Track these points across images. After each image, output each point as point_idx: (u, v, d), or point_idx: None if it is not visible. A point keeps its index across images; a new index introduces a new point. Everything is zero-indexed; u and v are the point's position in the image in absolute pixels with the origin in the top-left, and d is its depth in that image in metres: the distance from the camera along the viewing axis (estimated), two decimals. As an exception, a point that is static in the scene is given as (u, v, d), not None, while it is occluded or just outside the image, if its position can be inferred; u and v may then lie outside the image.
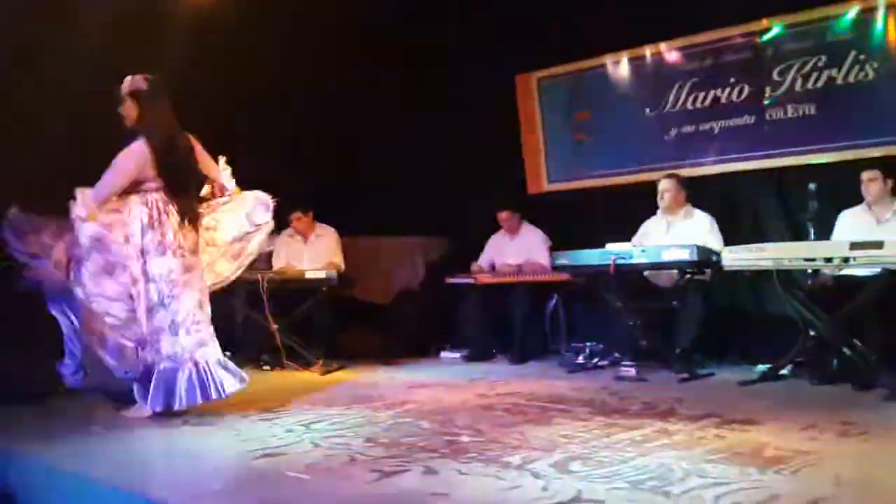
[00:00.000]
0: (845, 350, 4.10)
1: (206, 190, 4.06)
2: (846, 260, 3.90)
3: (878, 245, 3.81)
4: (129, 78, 3.82)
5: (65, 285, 3.68)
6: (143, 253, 3.66)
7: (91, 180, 3.72)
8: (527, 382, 4.53)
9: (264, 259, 5.45)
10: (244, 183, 4.10)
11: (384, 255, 6.47)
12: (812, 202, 4.43)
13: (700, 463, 2.62)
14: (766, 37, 5.33)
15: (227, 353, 3.95)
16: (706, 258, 4.48)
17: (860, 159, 4.78)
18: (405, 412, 3.70)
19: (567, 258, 4.95)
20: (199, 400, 3.65)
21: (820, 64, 5.12)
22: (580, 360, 5.15)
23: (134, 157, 3.68)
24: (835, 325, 4.13)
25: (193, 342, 3.68)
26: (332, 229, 5.99)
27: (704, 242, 4.76)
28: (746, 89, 5.43)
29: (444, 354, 5.96)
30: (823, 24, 5.11)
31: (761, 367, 4.50)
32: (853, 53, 4.98)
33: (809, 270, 4.35)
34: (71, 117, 4.76)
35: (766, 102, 5.34)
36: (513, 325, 5.63)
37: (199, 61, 5.13)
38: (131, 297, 3.67)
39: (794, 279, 4.38)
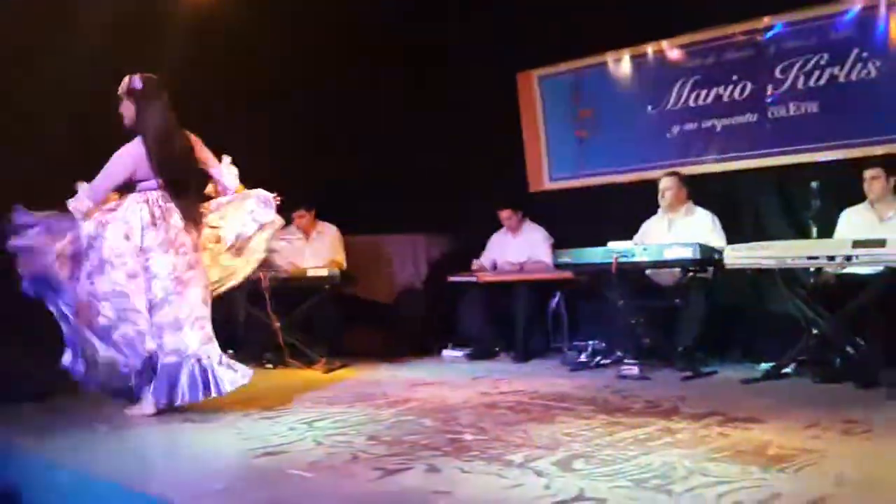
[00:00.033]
0: (848, 349, 4.10)
1: (209, 188, 4.07)
2: (849, 258, 3.90)
3: (881, 243, 3.81)
4: (127, 78, 3.85)
5: (55, 281, 3.69)
6: (141, 250, 3.67)
7: (91, 180, 3.76)
8: (529, 381, 4.53)
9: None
10: (244, 182, 4.11)
11: (386, 253, 6.48)
12: (814, 200, 4.43)
13: (703, 461, 2.62)
14: (769, 34, 5.32)
15: (230, 352, 3.96)
16: (708, 256, 4.48)
17: (863, 157, 4.77)
18: (408, 410, 3.71)
19: (569, 256, 4.95)
20: (202, 396, 3.67)
21: (822, 62, 5.10)
22: (583, 358, 5.15)
23: (126, 157, 3.74)
24: (837, 324, 4.12)
25: (197, 338, 3.70)
26: (334, 227, 6.00)
27: (707, 240, 4.75)
28: (749, 87, 5.42)
29: (447, 353, 5.95)
30: (826, 21, 5.10)
31: (764, 366, 4.50)
32: (856, 51, 4.96)
33: (812, 269, 4.34)
34: (71, 117, 4.77)
35: (768, 100, 5.33)
36: (515, 324, 5.62)
37: (199, 61, 5.13)
38: (124, 294, 3.67)
39: (796, 277, 4.38)
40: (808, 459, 2.61)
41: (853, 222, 4.51)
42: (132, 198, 3.76)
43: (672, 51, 5.77)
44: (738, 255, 4.26)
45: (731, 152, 5.52)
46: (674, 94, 5.74)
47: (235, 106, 5.43)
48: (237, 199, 4.00)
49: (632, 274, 4.79)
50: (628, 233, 5.15)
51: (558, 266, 5.13)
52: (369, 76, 6.33)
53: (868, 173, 4.47)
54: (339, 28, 5.91)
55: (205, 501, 2.46)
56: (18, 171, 4.49)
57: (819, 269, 4.34)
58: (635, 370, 4.53)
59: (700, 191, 5.23)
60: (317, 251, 5.87)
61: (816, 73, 5.13)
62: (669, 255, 4.53)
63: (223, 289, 4.01)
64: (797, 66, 5.19)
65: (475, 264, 5.99)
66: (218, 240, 3.96)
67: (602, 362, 5.06)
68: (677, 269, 4.73)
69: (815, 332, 4.19)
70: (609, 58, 6.06)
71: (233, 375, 3.72)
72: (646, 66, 5.92)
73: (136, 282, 3.68)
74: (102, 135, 3.97)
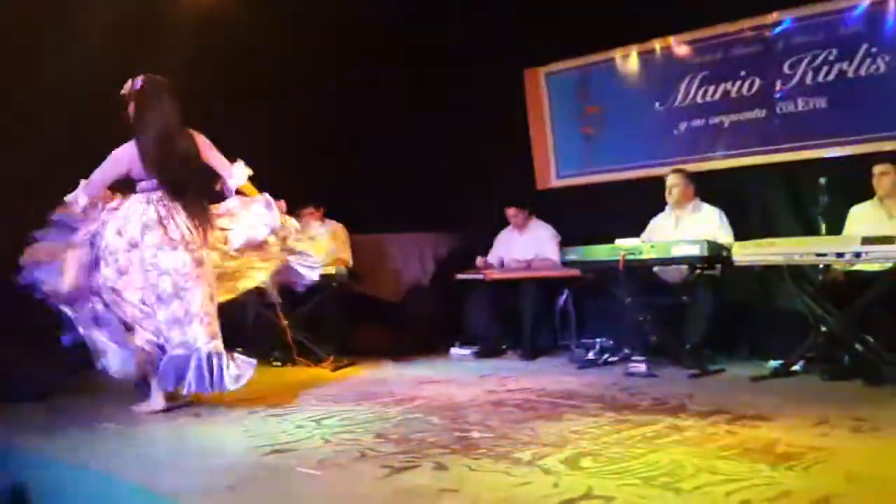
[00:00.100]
0: (857, 346, 4.08)
1: (219, 188, 4.11)
2: (857, 255, 3.88)
3: (890, 240, 3.80)
4: (130, 80, 3.90)
5: (64, 294, 3.76)
6: (135, 247, 3.74)
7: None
8: (537, 378, 4.52)
9: None
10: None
11: (393, 251, 6.48)
12: (823, 196, 4.41)
13: (711, 459, 2.61)
14: (777, 30, 5.30)
15: (238, 350, 3.99)
16: (716, 253, 4.47)
17: (872, 153, 4.74)
18: (415, 408, 3.71)
19: (576, 254, 4.94)
20: (208, 389, 3.71)
21: (831, 57, 5.08)
22: (590, 355, 5.14)
23: (121, 156, 3.84)
24: (846, 321, 4.11)
25: (206, 333, 3.74)
26: (341, 225, 6.00)
27: (714, 236, 4.75)
28: (757, 83, 5.40)
29: (454, 350, 5.95)
30: (834, 16, 5.08)
31: (772, 363, 4.48)
32: (864, 46, 4.94)
33: (820, 266, 4.32)
34: (71, 117, 4.79)
35: (776, 96, 5.31)
36: (522, 321, 5.62)
37: (199, 61, 5.14)
38: (115, 290, 3.75)
39: (804, 274, 4.36)
40: (816, 457, 2.59)
41: (862, 219, 4.49)
42: (135, 198, 3.83)
43: (680, 47, 5.76)
44: (746, 252, 4.24)
45: (738, 148, 5.51)
46: (681, 91, 5.73)
47: (235, 106, 5.44)
48: (246, 204, 4.03)
49: (639, 271, 4.78)
50: (636, 230, 5.13)
51: (566, 263, 5.12)
52: (369, 76, 6.34)
53: (877, 169, 4.45)
54: (339, 28, 5.91)
55: (213, 499, 2.46)
56: (19, 172, 4.52)
57: (827, 266, 4.32)
58: (643, 368, 4.52)
59: (708, 187, 5.21)
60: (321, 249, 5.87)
61: (825, 68, 5.11)
62: (677, 252, 4.52)
63: (240, 291, 4.07)
64: (805, 61, 5.17)
65: (479, 261, 5.98)
66: (226, 241, 3.99)
67: (610, 360, 5.05)
68: (685, 267, 4.71)
69: (823, 329, 4.17)
70: (616, 54, 6.05)
71: (237, 371, 3.76)
72: (653, 63, 5.91)
73: (126, 278, 3.75)
74: (102, 135, 4.00)
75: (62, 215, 3.86)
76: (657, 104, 5.87)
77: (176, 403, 3.88)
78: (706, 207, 5.09)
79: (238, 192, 4.06)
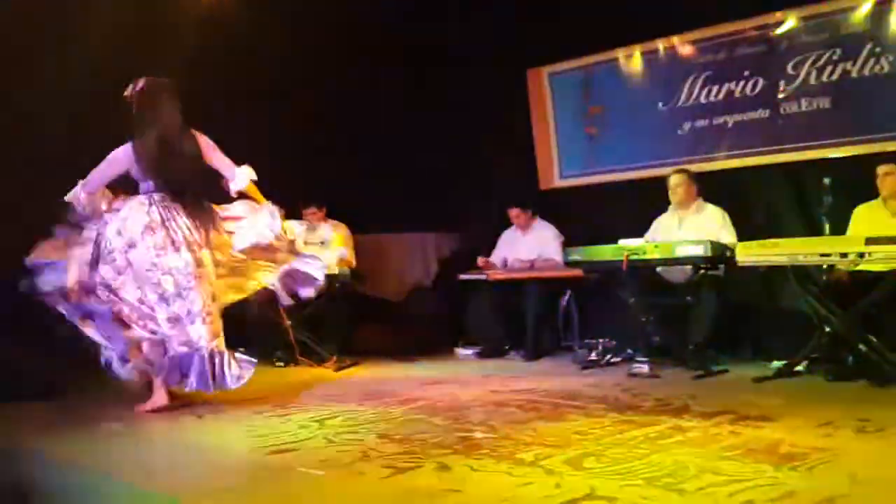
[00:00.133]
0: (861, 346, 4.07)
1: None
2: (861, 255, 3.87)
3: (894, 240, 3.77)
4: (132, 82, 3.95)
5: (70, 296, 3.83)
6: (130, 246, 3.78)
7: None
8: (540, 379, 4.52)
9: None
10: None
11: (396, 251, 6.48)
12: (827, 197, 4.40)
13: (714, 460, 2.60)
14: (781, 30, 5.29)
15: (241, 350, 4.01)
16: (720, 254, 4.46)
17: (875, 153, 4.74)
18: (418, 408, 3.71)
19: (580, 254, 4.94)
20: (211, 387, 3.75)
21: (835, 57, 5.07)
22: (593, 356, 5.13)
23: (119, 156, 3.91)
24: (850, 321, 4.10)
25: (208, 332, 3.79)
26: (344, 225, 6.01)
27: (717, 236, 4.74)
28: (760, 83, 5.39)
29: (457, 351, 5.96)
30: (838, 16, 5.07)
31: (776, 364, 4.47)
32: (868, 46, 4.93)
33: (824, 266, 4.31)
34: (71, 117, 4.80)
35: (780, 96, 5.30)
36: (525, 322, 5.61)
37: (199, 61, 5.14)
38: (110, 288, 3.79)
39: (808, 275, 4.35)
40: (820, 458, 2.58)
41: (866, 219, 4.48)
42: (136, 199, 3.88)
43: (683, 47, 5.75)
44: (750, 253, 4.23)
45: (742, 149, 5.50)
46: (685, 91, 5.72)
47: (235, 106, 5.45)
48: (253, 210, 4.07)
49: (643, 271, 4.77)
50: (639, 230, 5.13)
51: (569, 264, 5.12)
52: (369, 76, 6.34)
53: (881, 169, 4.44)
54: (339, 28, 5.91)
55: (215, 499, 2.46)
56: (19, 172, 4.53)
57: (831, 267, 4.31)
58: (646, 368, 4.51)
59: (711, 187, 5.21)
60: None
61: (829, 68, 5.10)
62: (681, 252, 4.51)
63: (249, 291, 4.11)
64: (809, 61, 5.16)
65: (480, 261, 5.98)
66: (230, 245, 4.03)
67: (613, 360, 5.04)
68: (688, 267, 4.71)
69: (827, 329, 4.16)
70: (620, 54, 6.04)
71: (238, 370, 3.81)
72: (657, 63, 5.90)
73: (123, 278, 3.79)
74: (102, 135, 4.03)
75: (70, 215, 3.92)
76: (661, 104, 5.86)
77: (179, 402, 3.90)
78: (710, 207, 5.09)
79: (242, 194, 4.09)
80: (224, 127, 4.20)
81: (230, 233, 4.04)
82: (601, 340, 5.23)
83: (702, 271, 4.64)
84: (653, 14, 5.59)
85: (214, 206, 4.08)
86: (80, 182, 3.94)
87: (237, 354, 3.89)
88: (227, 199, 4.16)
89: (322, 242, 5.82)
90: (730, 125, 5.55)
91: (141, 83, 3.91)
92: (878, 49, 4.90)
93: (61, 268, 3.85)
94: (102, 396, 4.09)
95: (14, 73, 4.71)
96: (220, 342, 3.82)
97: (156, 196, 3.86)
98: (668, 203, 5.20)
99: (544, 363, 5.34)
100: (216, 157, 4.02)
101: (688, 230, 5.01)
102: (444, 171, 6.37)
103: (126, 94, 3.92)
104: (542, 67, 6.46)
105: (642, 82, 5.98)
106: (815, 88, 5.15)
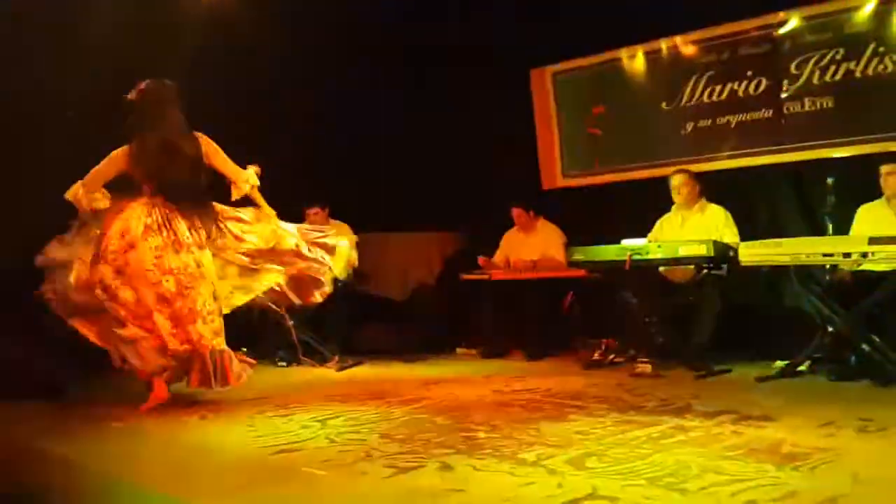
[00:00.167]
0: (864, 346, 4.06)
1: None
2: (864, 255, 3.86)
3: (898, 240, 3.77)
4: (136, 85, 4.02)
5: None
6: (130, 246, 3.84)
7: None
8: (542, 379, 4.51)
9: None
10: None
11: (399, 251, 6.48)
12: (830, 196, 4.40)
13: (716, 460, 2.60)
14: (784, 29, 5.28)
15: (243, 349, 4.04)
16: (723, 253, 4.45)
17: (879, 153, 4.72)
18: (421, 408, 3.71)
19: (582, 254, 4.94)
20: (212, 385, 3.80)
21: (838, 57, 5.06)
22: (596, 356, 5.13)
23: (115, 158, 4.01)
24: (853, 321, 4.09)
25: (209, 330, 3.85)
26: (346, 225, 6.00)
27: (720, 236, 4.74)
28: (763, 83, 5.38)
29: (460, 350, 5.95)
30: (842, 16, 5.05)
31: (779, 364, 4.46)
32: (872, 46, 4.92)
33: (827, 266, 4.30)
34: (71, 118, 4.82)
35: (783, 96, 5.29)
36: (528, 321, 5.61)
37: (200, 61, 5.16)
38: (107, 288, 3.83)
39: (811, 275, 4.34)
40: (822, 458, 2.58)
41: (869, 219, 4.47)
42: (140, 201, 3.95)
43: (686, 47, 5.74)
44: (753, 253, 4.23)
45: (745, 148, 5.49)
46: (688, 91, 5.71)
47: (235, 106, 5.46)
48: (259, 217, 4.16)
49: (645, 271, 4.76)
50: (642, 230, 5.12)
51: (572, 264, 5.12)
52: (369, 76, 6.34)
53: (884, 169, 4.43)
54: (339, 28, 5.91)
55: (218, 499, 2.47)
56: (20, 172, 4.54)
57: (834, 267, 4.30)
58: (649, 368, 4.51)
59: (714, 187, 5.20)
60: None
61: (832, 68, 5.09)
62: (684, 252, 4.50)
63: (257, 292, 4.17)
64: (812, 61, 5.15)
65: (481, 260, 5.98)
66: (239, 243, 4.10)
67: (615, 360, 5.04)
68: (691, 267, 4.70)
69: (830, 329, 4.16)
70: (623, 54, 6.03)
71: (239, 369, 3.88)
72: (660, 63, 5.89)
73: (121, 278, 3.83)
74: (103, 135, 4.06)
75: (80, 215, 4.00)
76: (664, 104, 5.85)
77: (181, 400, 3.93)
78: (713, 207, 5.08)
79: (245, 198, 4.16)
80: (224, 127, 4.22)
81: (238, 238, 4.10)
82: (604, 340, 5.23)
83: (705, 271, 4.63)
84: (656, 14, 5.57)
85: (221, 207, 4.13)
86: (80, 181, 4.00)
87: (238, 353, 3.95)
88: (232, 202, 4.20)
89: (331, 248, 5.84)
90: (733, 125, 5.54)
91: (143, 87, 3.97)
92: (881, 48, 4.89)
93: (66, 267, 3.89)
94: (103, 396, 4.10)
95: (14, 73, 4.72)
96: (221, 341, 3.88)
97: (157, 198, 3.93)
98: (672, 203, 5.20)
99: (547, 363, 5.33)
100: (220, 160, 4.09)
101: (691, 230, 5.00)
102: (447, 171, 6.36)
103: (130, 96, 3.96)
104: (546, 67, 6.45)
105: (645, 82, 5.97)
106: (819, 88, 5.14)
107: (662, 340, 4.72)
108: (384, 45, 6.24)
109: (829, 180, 4.41)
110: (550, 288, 5.62)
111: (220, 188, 4.27)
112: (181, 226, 3.90)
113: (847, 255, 3.94)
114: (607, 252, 4.75)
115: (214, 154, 4.08)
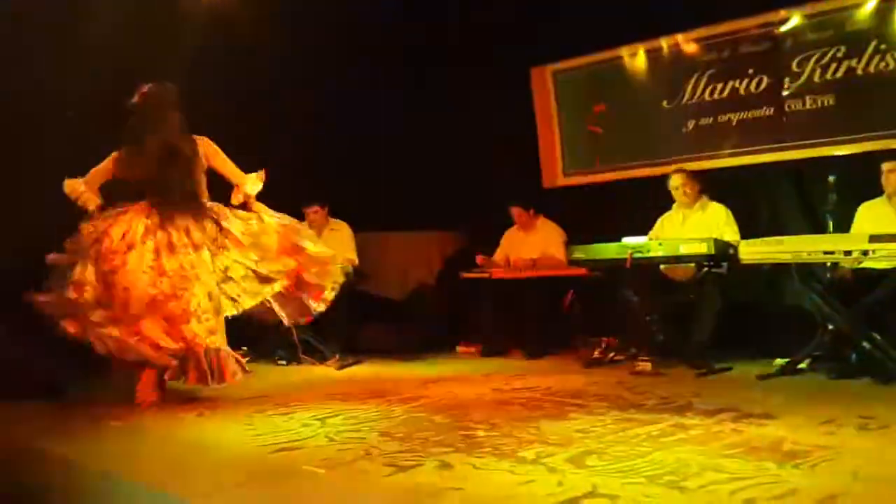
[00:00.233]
0: (864, 344, 4.05)
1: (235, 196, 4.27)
2: (865, 253, 3.86)
3: (899, 237, 3.76)
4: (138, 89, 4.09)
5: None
6: (129, 247, 3.90)
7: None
8: (542, 377, 4.51)
9: None
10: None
11: (399, 250, 6.47)
12: (831, 194, 4.38)
13: (717, 458, 2.60)
14: (785, 27, 5.27)
15: (243, 348, 4.06)
16: (723, 251, 4.45)
17: (880, 151, 4.71)
18: (420, 407, 3.71)
19: (583, 252, 4.93)
20: (209, 382, 3.85)
21: (839, 54, 5.05)
22: (596, 354, 5.12)
23: (107, 163, 4.10)
24: (854, 319, 4.08)
25: (204, 329, 3.89)
26: (346, 224, 6.01)
27: (720, 234, 4.74)
28: (765, 80, 5.37)
29: (460, 349, 5.95)
30: (843, 13, 5.04)
31: (779, 361, 4.45)
32: (874, 43, 4.91)
33: (828, 263, 4.29)
34: (71, 118, 4.83)
35: (784, 94, 5.28)
36: (528, 320, 5.61)
37: (199, 61, 5.16)
38: (106, 286, 3.89)
39: (812, 272, 4.34)
40: (823, 455, 2.58)
41: (870, 216, 4.46)
42: (140, 203, 4.02)
43: (687, 45, 5.73)
44: (754, 250, 4.22)
45: (746, 146, 5.48)
46: (689, 89, 5.71)
47: (235, 106, 5.46)
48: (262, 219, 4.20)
49: (646, 269, 4.76)
50: (643, 228, 5.12)
51: (572, 262, 5.11)
52: (369, 76, 6.34)
53: (886, 166, 4.43)
54: (339, 28, 5.91)
55: (218, 497, 2.47)
56: (21, 172, 4.55)
57: (835, 264, 4.29)
58: (649, 366, 4.50)
59: (715, 185, 5.19)
60: (329, 248, 5.86)
61: (833, 65, 5.08)
62: (685, 250, 4.50)
63: (265, 296, 4.18)
64: (814, 58, 5.14)
65: (479, 258, 5.97)
66: (243, 247, 4.13)
67: (615, 358, 5.03)
68: (692, 265, 4.69)
69: (830, 327, 4.15)
70: (624, 52, 6.02)
71: (234, 367, 3.91)
72: (661, 61, 5.88)
73: (115, 278, 3.88)
74: (104, 135, 4.06)
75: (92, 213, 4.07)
76: (665, 102, 5.85)
77: (180, 399, 3.95)
78: (713, 205, 5.07)
79: (245, 201, 4.21)
80: (224, 127, 4.22)
81: (240, 244, 4.13)
82: (604, 338, 5.23)
83: (705, 269, 4.63)
84: (657, 12, 5.57)
85: (221, 208, 4.15)
86: (82, 178, 4.08)
87: (234, 351, 3.98)
88: (231, 205, 4.22)
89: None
90: (734, 123, 5.54)
91: (146, 89, 4.03)
92: (883, 46, 4.87)
93: (71, 266, 3.95)
94: (102, 396, 4.10)
95: (14, 73, 4.72)
96: (216, 339, 3.91)
97: (155, 200, 3.98)
98: (673, 201, 5.19)
99: (547, 361, 5.33)
100: (221, 163, 4.14)
101: (691, 228, 5.00)
102: (447, 170, 6.36)
103: (133, 100, 4.02)
104: (546, 66, 6.45)
105: (646, 80, 5.97)
106: (820, 86, 5.13)
107: (663, 338, 4.72)
108: (384, 45, 6.23)
109: (831, 178, 4.40)
110: (550, 286, 5.62)
111: (220, 189, 4.29)
112: (177, 227, 3.95)
113: (848, 252, 3.94)
114: (608, 250, 4.75)
115: (215, 156, 4.14)
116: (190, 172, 4.05)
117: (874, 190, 4.50)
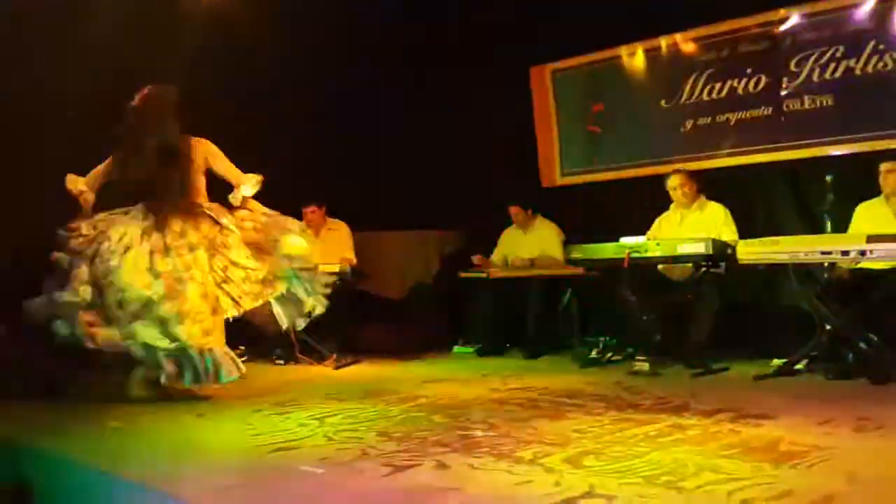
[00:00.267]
0: (861, 344, 4.06)
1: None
2: (863, 253, 3.86)
3: (896, 238, 3.77)
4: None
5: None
6: (127, 249, 3.92)
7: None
8: (540, 377, 4.51)
9: None
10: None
11: (397, 249, 6.48)
12: (829, 194, 4.39)
13: (714, 458, 2.60)
14: (784, 27, 5.27)
15: (241, 348, 4.07)
16: (721, 252, 4.45)
17: (878, 151, 4.72)
18: (418, 406, 3.71)
19: (581, 252, 4.94)
20: (203, 382, 3.91)
21: (838, 54, 5.05)
22: (594, 354, 5.13)
23: (101, 166, 4.17)
24: (851, 319, 4.08)
25: (199, 331, 3.90)
26: (344, 224, 6.01)
27: (718, 233, 4.74)
28: (763, 80, 5.37)
29: (458, 349, 5.95)
30: (842, 13, 5.05)
31: (776, 362, 4.45)
32: (872, 43, 4.91)
33: (825, 264, 4.30)
34: (71, 118, 4.83)
35: (782, 94, 5.28)
36: (526, 320, 5.61)
37: (200, 61, 5.16)
38: (101, 286, 3.92)
39: (810, 273, 4.34)
40: (819, 456, 2.58)
41: (868, 217, 4.47)
42: (138, 206, 4.06)
43: (686, 44, 5.73)
44: (751, 251, 4.23)
45: (745, 146, 5.48)
46: (687, 88, 5.71)
47: (235, 106, 5.45)
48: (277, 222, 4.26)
49: (644, 269, 4.76)
50: (641, 228, 5.12)
51: (570, 261, 5.11)
52: (369, 76, 6.33)
53: (883, 167, 4.43)
54: (339, 28, 5.91)
55: (216, 497, 2.46)
56: (21, 173, 4.55)
57: (833, 265, 4.30)
58: (646, 366, 4.50)
59: (713, 185, 5.19)
60: (327, 248, 5.86)
61: (832, 65, 5.08)
62: (682, 250, 4.50)
63: (267, 297, 4.22)
64: (812, 58, 5.14)
65: (476, 258, 5.97)
66: (242, 248, 4.15)
67: (613, 358, 5.04)
68: (690, 265, 4.69)
69: (828, 327, 4.15)
70: (622, 52, 6.02)
71: (230, 366, 3.95)
72: (659, 60, 5.88)
73: (110, 278, 3.90)
74: (102, 136, 4.07)
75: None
76: (663, 102, 5.85)
77: (179, 397, 3.97)
78: (712, 205, 5.07)
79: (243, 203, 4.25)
80: (224, 127, 4.23)
81: (240, 243, 4.16)
82: (602, 338, 5.23)
83: (703, 269, 4.63)
84: (655, 12, 5.57)
85: (219, 208, 4.16)
86: (85, 177, 4.13)
87: (229, 351, 4.01)
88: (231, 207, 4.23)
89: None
90: (732, 123, 5.54)
91: (146, 91, 4.06)
92: (881, 46, 4.88)
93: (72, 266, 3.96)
94: (102, 396, 4.10)
95: (14, 73, 4.72)
96: (211, 340, 3.93)
97: (151, 201, 4.02)
98: (671, 201, 5.19)
99: (544, 361, 5.33)
100: (222, 165, 4.18)
101: (689, 228, 5.00)
102: (446, 169, 6.36)
103: (133, 102, 4.06)
104: (545, 65, 6.45)
105: (645, 80, 5.97)
106: (818, 86, 5.13)
107: (660, 338, 4.72)
108: (384, 45, 6.24)
109: (829, 178, 4.41)
110: (548, 286, 5.62)
111: (220, 190, 4.29)
112: (173, 228, 3.98)
113: (845, 253, 3.94)
114: (606, 250, 4.75)
115: (215, 158, 4.17)
116: (187, 174, 4.07)
117: (872, 190, 4.51)
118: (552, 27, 6.11)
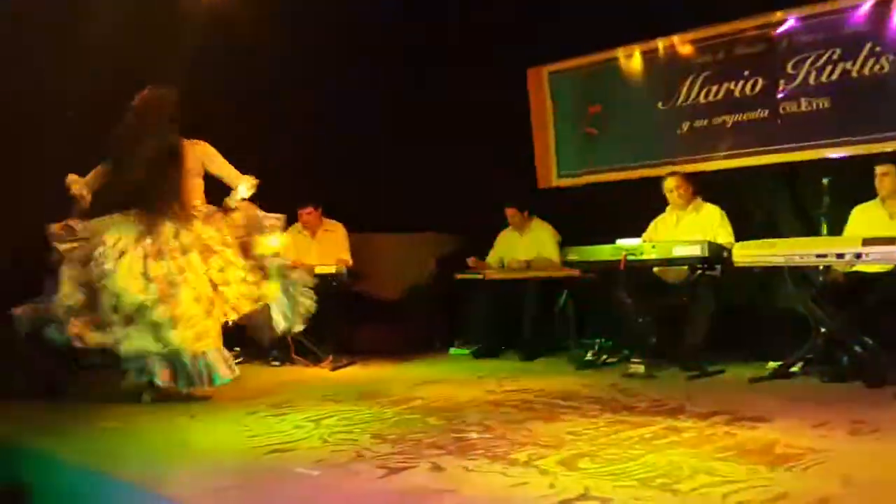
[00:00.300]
0: (857, 347, 4.06)
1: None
2: (858, 256, 3.86)
3: (892, 241, 3.77)
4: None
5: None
6: (122, 253, 3.94)
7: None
8: (535, 379, 4.51)
9: None
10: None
11: (393, 250, 6.47)
12: (825, 197, 4.39)
13: (709, 460, 2.60)
14: (780, 29, 5.28)
15: (237, 349, 4.08)
16: (717, 254, 4.45)
17: (874, 154, 4.73)
18: (413, 408, 3.71)
19: (577, 254, 4.93)
20: (198, 385, 3.93)
21: (834, 57, 5.06)
22: (589, 356, 5.12)
23: (101, 167, 4.20)
24: (846, 322, 4.09)
25: (192, 334, 3.92)
26: (340, 225, 6.00)
27: (714, 235, 4.74)
28: (760, 83, 5.38)
29: (453, 350, 5.94)
30: (838, 16, 5.05)
31: (772, 365, 4.46)
32: (868, 46, 4.92)
33: (821, 267, 4.30)
34: (71, 118, 4.83)
35: (779, 96, 5.29)
36: (522, 322, 5.61)
37: (200, 61, 5.16)
38: (96, 289, 3.94)
39: (805, 275, 4.34)
40: (814, 459, 2.58)
41: (863, 219, 4.47)
42: (132, 210, 4.06)
43: (683, 46, 5.74)
44: (747, 253, 4.23)
45: (741, 148, 5.48)
46: (684, 90, 5.71)
47: (236, 106, 5.45)
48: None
49: (640, 271, 4.76)
50: (637, 230, 5.12)
51: (566, 263, 5.11)
52: (369, 76, 6.33)
53: (879, 169, 4.44)
54: (339, 28, 5.91)
55: (211, 499, 2.46)
56: (19, 172, 4.54)
57: (828, 267, 4.30)
58: (642, 369, 4.50)
59: (710, 187, 5.19)
60: (324, 249, 5.88)
61: (828, 68, 5.09)
62: (678, 252, 4.50)
63: (261, 303, 4.22)
64: (809, 61, 5.15)
65: (470, 261, 5.96)
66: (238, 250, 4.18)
67: (608, 360, 5.04)
68: (685, 267, 4.69)
69: (823, 330, 4.15)
70: (619, 54, 6.03)
71: (224, 368, 3.97)
72: (656, 62, 5.89)
73: (105, 281, 3.92)
74: (102, 136, 4.06)
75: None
76: (660, 104, 5.85)
77: (174, 399, 3.97)
78: (708, 207, 5.08)
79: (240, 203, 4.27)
80: (224, 127, 4.23)
81: (235, 241, 4.18)
82: (597, 340, 5.23)
83: (699, 272, 4.63)
84: (652, 14, 5.57)
85: (221, 212, 4.17)
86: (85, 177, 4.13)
87: (224, 352, 4.03)
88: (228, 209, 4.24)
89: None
90: (729, 125, 5.54)
91: (146, 93, 4.08)
92: (877, 48, 4.88)
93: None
94: (102, 396, 4.10)
95: (14, 73, 4.72)
96: (205, 343, 3.95)
97: (145, 205, 4.02)
98: (667, 203, 5.19)
99: (540, 363, 5.33)
100: (220, 167, 4.19)
101: (685, 230, 5.00)
102: (442, 170, 6.36)
103: (133, 104, 4.07)
104: (543, 67, 6.45)
105: (642, 82, 5.97)
106: (815, 88, 5.14)
107: (656, 341, 4.71)
108: (384, 45, 6.23)
109: (825, 181, 4.41)
110: (544, 288, 5.62)
111: (219, 191, 4.29)
112: (165, 232, 3.99)
113: (841, 255, 3.94)
114: (602, 252, 4.75)
115: (213, 160, 4.19)
116: (181, 176, 4.08)
117: (868, 193, 4.51)
118: (552, 28, 6.11)
